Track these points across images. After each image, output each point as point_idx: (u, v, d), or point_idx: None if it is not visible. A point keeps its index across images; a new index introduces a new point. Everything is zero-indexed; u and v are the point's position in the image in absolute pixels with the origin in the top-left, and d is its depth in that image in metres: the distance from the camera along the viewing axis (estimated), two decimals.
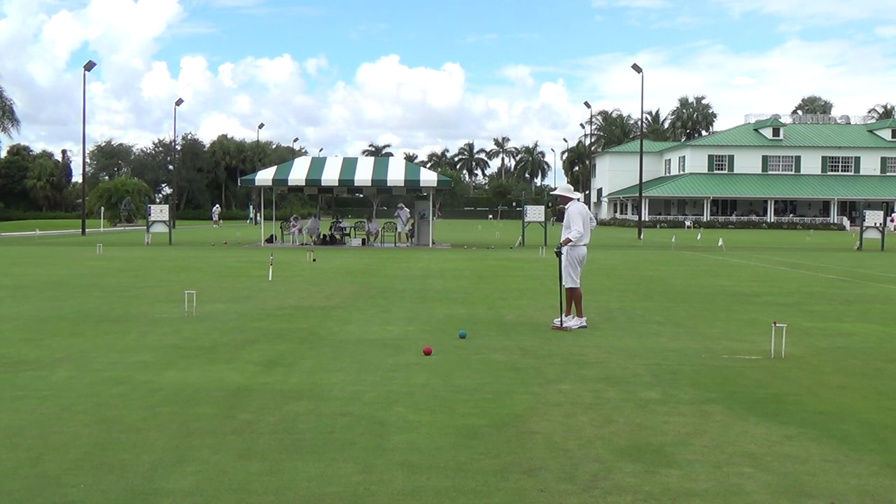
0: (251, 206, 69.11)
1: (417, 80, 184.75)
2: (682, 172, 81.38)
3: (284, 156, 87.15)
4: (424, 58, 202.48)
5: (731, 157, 79.34)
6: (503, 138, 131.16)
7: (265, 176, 30.78)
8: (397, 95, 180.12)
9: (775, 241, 41.50)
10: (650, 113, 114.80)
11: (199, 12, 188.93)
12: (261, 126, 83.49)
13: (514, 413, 5.73)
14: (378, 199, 65.26)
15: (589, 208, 10.75)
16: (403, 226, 32.85)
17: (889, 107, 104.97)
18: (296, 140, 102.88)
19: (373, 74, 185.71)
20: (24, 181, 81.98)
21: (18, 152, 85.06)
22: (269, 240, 32.87)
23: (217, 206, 70.32)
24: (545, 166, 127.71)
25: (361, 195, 61.30)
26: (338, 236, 33.09)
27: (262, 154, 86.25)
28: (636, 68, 43.05)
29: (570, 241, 9.80)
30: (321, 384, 6.59)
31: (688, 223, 70.55)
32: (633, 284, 15.74)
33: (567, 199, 10.10)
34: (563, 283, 9.98)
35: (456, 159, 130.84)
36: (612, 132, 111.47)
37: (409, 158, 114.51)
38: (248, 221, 69.42)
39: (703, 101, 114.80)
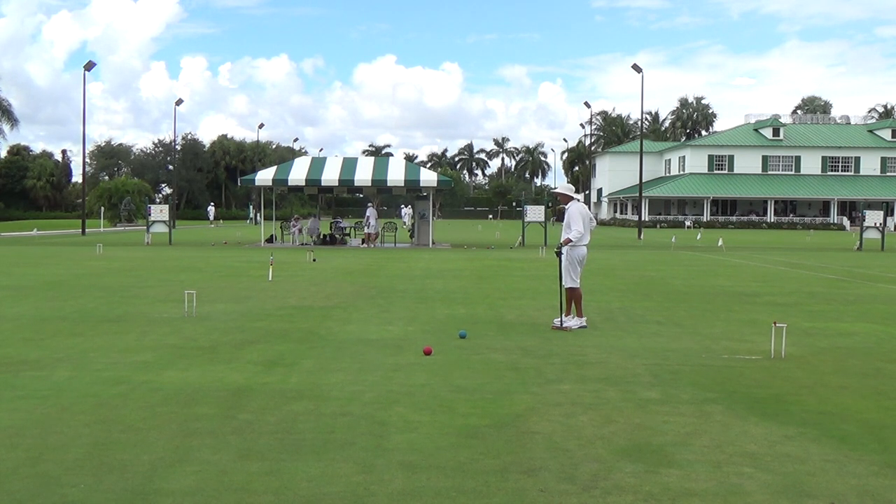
0: (251, 206, 69.11)
1: (415, 80, 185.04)
2: (682, 172, 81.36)
3: (284, 156, 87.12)
4: (422, 58, 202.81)
5: (731, 157, 79.31)
6: (503, 138, 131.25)
7: (265, 176, 30.78)
8: (395, 95, 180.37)
9: (775, 241, 41.49)
10: (650, 113, 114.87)
11: (198, 12, 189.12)
12: (261, 126, 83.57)
13: (514, 413, 5.73)
14: (378, 199, 65.24)
15: (589, 208, 10.74)
16: (372, 227, 31.21)
17: (889, 107, 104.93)
18: (295, 140, 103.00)
19: (370, 74, 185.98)
20: (24, 181, 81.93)
21: (18, 152, 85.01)
22: (269, 240, 32.88)
23: (211, 205, 70.18)
24: (545, 166, 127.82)
25: (361, 195, 61.36)
26: (338, 236, 33.10)
27: (261, 154, 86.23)
28: (636, 68, 43.05)
29: (571, 241, 9.80)
30: (321, 384, 6.58)
31: (688, 223, 70.54)
32: (633, 284, 15.74)
33: (567, 199, 10.10)
34: (563, 283, 9.98)
35: (456, 159, 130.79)
36: (612, 132, 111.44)
37: (409, 158, 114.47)
38: (248, 221, 69.41)
39: (703, 101, 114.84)
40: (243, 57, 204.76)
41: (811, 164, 78.74)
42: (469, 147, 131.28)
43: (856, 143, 79.56)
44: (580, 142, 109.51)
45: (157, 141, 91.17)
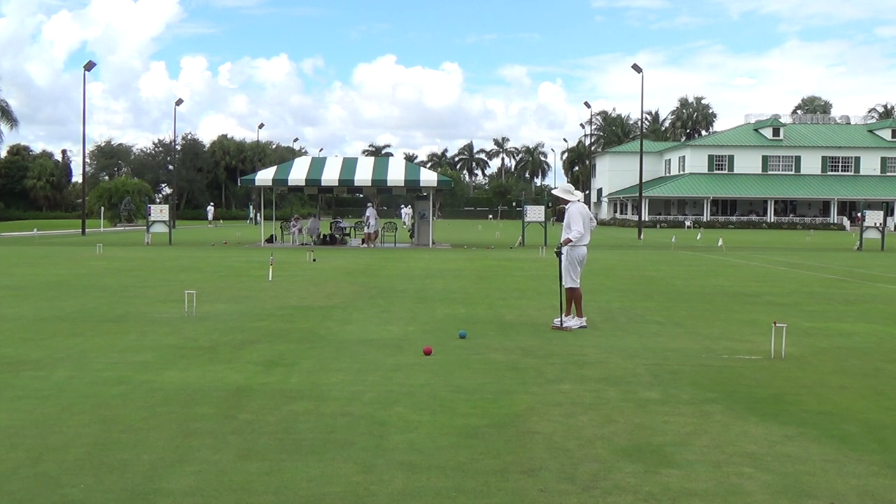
0: (251, 206, 69.11)
1: (415, 80, 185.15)
2: (682, 172, 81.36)
3: (284, 156, 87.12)
4: (422, 58, 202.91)
5: (731, 157, 79.31)
6: (503, 138, 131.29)
7: (265, 176, 30.78)
8: (395, 95, 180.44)
9: (775, 241, 41.49)
10: (650, 113, 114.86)
11: (198, 12, 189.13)
12: (261, 126, 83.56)
13: (514, 413, 5.73)
14: (378, 199, 65.28)
15: (589, 208, 10.74)
16: (372, 227, 31.26)
17: (889, 107, 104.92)
18: (296, 140, 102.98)
19: (370, 74, 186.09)
20: (24, 181, 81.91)
21: (18, 152, 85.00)
22: (269, 240, 32.88)
23: (211, 205, 69.96)
24: (545, 166, 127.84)
25: (361, 195, 61.36)
26: (338, 236, 33.11)
27: (261, 154, 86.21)
28: (636, 68, 43.05)
29: (571, 241, 9.80)
30: (321, 384, 6.59)
31: (688, 223, 70.53)
32: (633, 284, 15.74)
33: (567, 200, 10.09)
34: (563, 283, 9.97)
35: (456, 159, 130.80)
36: (612, 132, 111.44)
37: (409, 158, 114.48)
38: (248, 221, 69.41)
39: (703, 101, 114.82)
40: (243, 57, 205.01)
41: (811, 164, 78.73)
42: (469, 147, 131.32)
43: (856, 143, 79.55)
44: (580, 142, 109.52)
45: (157, 141, 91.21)
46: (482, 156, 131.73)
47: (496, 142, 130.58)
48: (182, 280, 15.57)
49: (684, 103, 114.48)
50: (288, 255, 24.18)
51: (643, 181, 50.12)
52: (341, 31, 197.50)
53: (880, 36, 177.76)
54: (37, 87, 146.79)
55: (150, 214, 31.91)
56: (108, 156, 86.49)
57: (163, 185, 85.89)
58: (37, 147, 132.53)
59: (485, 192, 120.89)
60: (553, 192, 10.66)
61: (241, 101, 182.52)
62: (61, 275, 16.64)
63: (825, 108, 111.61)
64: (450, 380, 6.81)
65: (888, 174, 78.34)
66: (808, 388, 6.66)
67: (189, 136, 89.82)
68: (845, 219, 72.65)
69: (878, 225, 32.09)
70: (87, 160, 68.44)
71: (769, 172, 78.62)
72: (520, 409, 5.85)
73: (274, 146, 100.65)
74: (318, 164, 31.27)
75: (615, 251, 28.49)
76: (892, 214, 56.55)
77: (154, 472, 4.38)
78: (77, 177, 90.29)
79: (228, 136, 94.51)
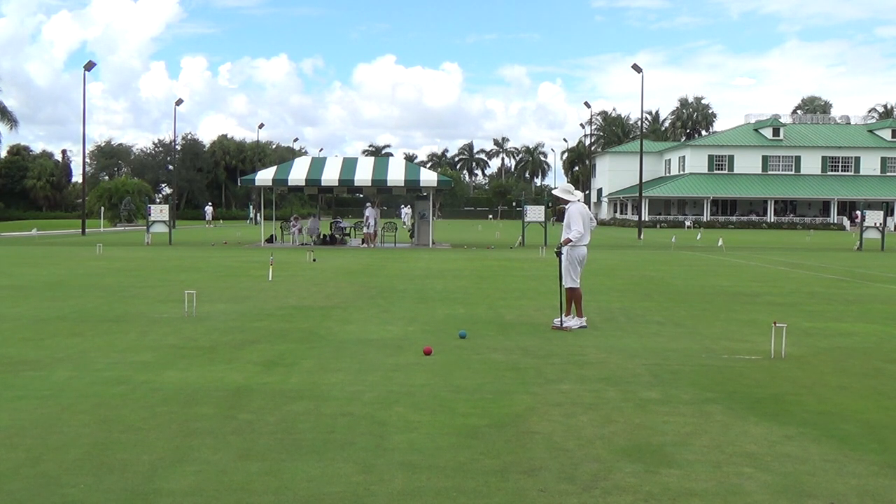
0: (251, 206, 69.07)
1: (415, 80, 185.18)
2: (682, 172, 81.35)
3: (284, 156, 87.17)
4: (422, 58, 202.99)
5: (731, 157, 79.30)
6: (503, 138, 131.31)
7: (265, 176, 30.78)
8: (394, 95, 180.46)
9: (775, 241, 41.49)
10: (650, 113, 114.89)
11: (198, 12, 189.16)
12: (261, 126, 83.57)
13: (514, 413, 5.73)
14: (378, 199, 65.26)
15: (589, 208, 10.74)
16: (371, 227, 31.36)
17: (889, 107, 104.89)
18: (296, 140, 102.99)
19: (370, 74, 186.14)
20: (24, 181, 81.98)
21: (18, 152, 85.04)
22: (269, 240, 32.89)
23: (209, 205, 70.08)
24: (545, 166, 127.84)
25: (361, 195, 61.35)
26: (338, 236, 33.11)
27: (261, 154, 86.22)
28: (636, 68, 43.05)
29: (571, 241, 9.80)
30: (321, 384, 6.59)
31: (688, 223, 70.53)
32: (633, 284, 15.74)
33: (567, 200, 10.09)
34: (563, 284, 9.97)
35: (456, 159, 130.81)
36: (612, 132, 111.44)
37: (409, 158, 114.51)
38: (248, 221, 69.37)
39: (703, 101, 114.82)
40: (243, 57, 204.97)
41: (811, 164, 78.73)
42: (469, 147, 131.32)
43: (856, 143, 79.55)
44: (580, 142, 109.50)
45: (157, 141, 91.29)
46: (482, 156, 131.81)
47: (496, 142, 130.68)
48: (182, 280, 15.57)
49: (684, 103, 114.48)
50: (288, 255, 24.19)
51: (643, 181, 50.13)
52: (341, 31, 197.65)
53: (880, 36, 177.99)
54: (37, 87, 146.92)
55: (150, 214, 31.92)
56: (108, 156, 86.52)
57: (163, 185, 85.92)
58: (37, 147, 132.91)
59: (485, 192, 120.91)
60: (553, 192, 10.65)
61: (240, 101, 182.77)
62: (61, 275, 16.64)
63: (825, 108, 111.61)
64: (450, 380, 6.81)
65: (888, 174, 78.34)
66: (808, 388, 6.66)
67: (189, 136, 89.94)
68: (845, 219, 72.64)
69: (878, 225, 32.09)
70: (87, 160, 68.49)
71: (769, 172, 78.62)
72: (520, 409, 5.86)
73: (274, 146, 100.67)
74: (318, 164, 31.26)
75: (615, 251, 28.48)
76: (892, 214, 56.57)
77: (154, 472, 4.38)
78: (77, 177, 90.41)
79: (228, 136, 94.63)
